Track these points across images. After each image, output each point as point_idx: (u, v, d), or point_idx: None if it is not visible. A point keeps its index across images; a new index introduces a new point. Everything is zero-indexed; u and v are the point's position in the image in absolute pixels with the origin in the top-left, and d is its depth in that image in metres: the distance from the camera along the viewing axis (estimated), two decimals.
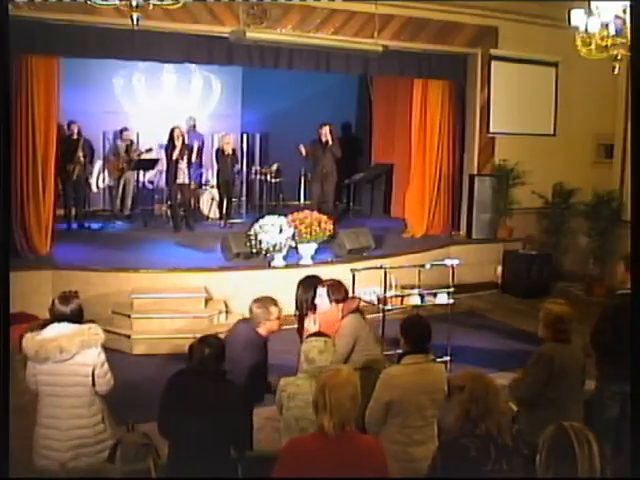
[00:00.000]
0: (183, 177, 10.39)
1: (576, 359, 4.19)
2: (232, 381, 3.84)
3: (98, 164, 11.28)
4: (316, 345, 3.88)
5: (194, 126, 11.81)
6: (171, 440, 3.69)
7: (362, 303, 5.62)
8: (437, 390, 3.87)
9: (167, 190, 10.80)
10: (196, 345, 3.70)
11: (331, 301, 4.81)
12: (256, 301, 4.60)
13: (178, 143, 10.19)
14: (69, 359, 3.86)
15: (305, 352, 3.87)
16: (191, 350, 3.72)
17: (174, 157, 10.20)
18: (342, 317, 4.76)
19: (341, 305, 4.83)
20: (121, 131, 11.07)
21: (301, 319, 5.00)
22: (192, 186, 10.82)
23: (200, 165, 11.32)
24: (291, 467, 2.96)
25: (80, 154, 10.01)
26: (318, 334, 4.09)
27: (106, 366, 4.02)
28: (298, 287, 5.11)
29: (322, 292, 4.84)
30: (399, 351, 4.16)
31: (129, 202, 11.20)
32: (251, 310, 4.60)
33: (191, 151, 10.48)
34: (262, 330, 4.60)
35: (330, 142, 10.41)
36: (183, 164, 10.32)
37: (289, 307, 6.53)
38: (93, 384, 3.96)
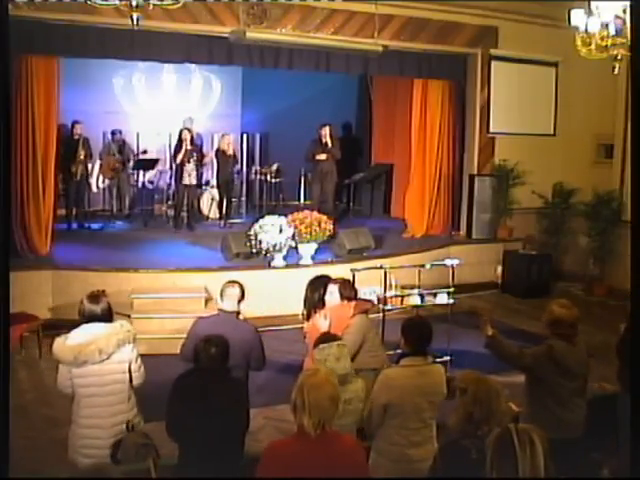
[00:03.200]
0: (189, 179, 10.41)
1: (582, 359, 4.22)
2: (236, 377, 3.85)
3: (98, 164, 11.28)
4: (331, 352, 3.85)
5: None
6: (181, 441, 3.68)
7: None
8: (435, 392, 3.87)
9: (172, 190, 10.82)
10: (201, 345, 3.70)
11: (342, 298, 4.82)
12: (227, 284, 4.73)
13: (185, 145, 10.20)
14: (106, 359, 3.91)
15: (321, 361, 3.82)
16: (196, 351, 3.72)
17: (178, 160, 10.22)
18: (353, 315, 4.76)
19: (353, 303, 4.84)
20: (113, 132, 10.98)
21: (309, 318, 5.00)
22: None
23: (200, 165, 11.33)
24: (273, 468, 2.96)
25: (81, 154, 10.01)
26: (327, 338, 4.04)
27: (139, 359, 4.10)
28: (307, 287, 5.12)
29: (333, 289, 4.86)
30: (399, 351, 4.15)
31: (126, 202, 11.20)
32: (226, 292, 4.69)
33: (199, 153, 10.50)
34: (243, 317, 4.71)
35: (330, 144, 10.40)
36: (189, 166, 10.33)
37: (288, 307, 6.53)
38: (129, 379, 4.03)
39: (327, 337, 4.08)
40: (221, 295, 4.74)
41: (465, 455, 2.86)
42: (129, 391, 4.06)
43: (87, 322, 3.99)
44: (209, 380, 3.64)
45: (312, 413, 2.90)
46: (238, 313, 4.71)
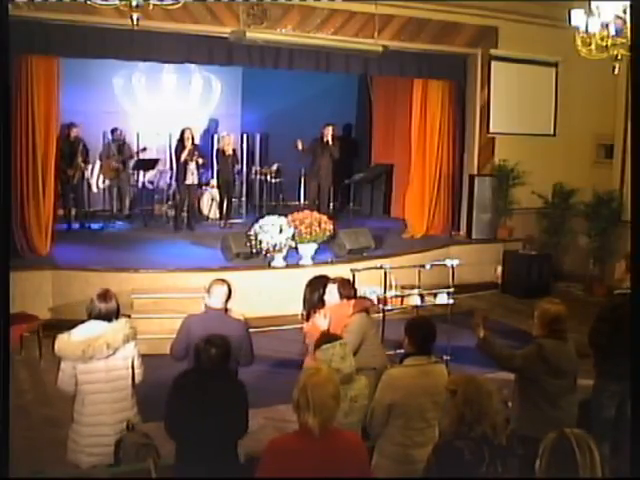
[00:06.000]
0: (192, 178, 10.42)
1: (571, 357, 4.20)
2: (238, 379, 3.85)
3: (98, 165, 11.27)
4: (335, 352, 3.83)
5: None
6: (179, 440, 3.68)
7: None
8: (439, 392, 3.85)
9: (172, 190, 10.82)
10: (202, 346, 3.70)
11: (342, 297, 4.83)
12: (215, 281, 4.72)
13: (188, 144, 10.22)
14: (111, 355, 3.95)
15: (326, 362, 3.78)
16: (197, 351, 3.72)
17: (182, 158, 10.23)
18: (352, 314, 4.76)
19: (352, 301, 4.84)
20: (112, 131, 10.92)
21: (308, 318, 5.00)
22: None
23: (202, 165, 11.34)
24: (275, 466, 2.95)
25: (79, 159, 9.94)
26: (329, 338, 4.02)
27: (140, 357, 4.17)
28: (306, 288, 5.12)
29: (332, 288, 4.86)
30: (399, 351, 4.15)
31: (127, 202, 11.19)
32: (213, 290, 4.67)
33: (201, 152, 10.52)
34: (237, 315, 4.71)
35: (330, 142, 10.48)
36: (192, 165, 10.34)
37: (288, 307, 6.52)
38: (132, 376, 4.09)
39: (329, 337, 4.06)
40: (209, 293, 4.73)
41: (458, 456, 2.86)
42: (131, 388, 4.11)
43: (95, 320, 4.01)
44: (209, 380, 3.64)
45: (316, 412, 2.90)
46: (226, 310, 4.74)
